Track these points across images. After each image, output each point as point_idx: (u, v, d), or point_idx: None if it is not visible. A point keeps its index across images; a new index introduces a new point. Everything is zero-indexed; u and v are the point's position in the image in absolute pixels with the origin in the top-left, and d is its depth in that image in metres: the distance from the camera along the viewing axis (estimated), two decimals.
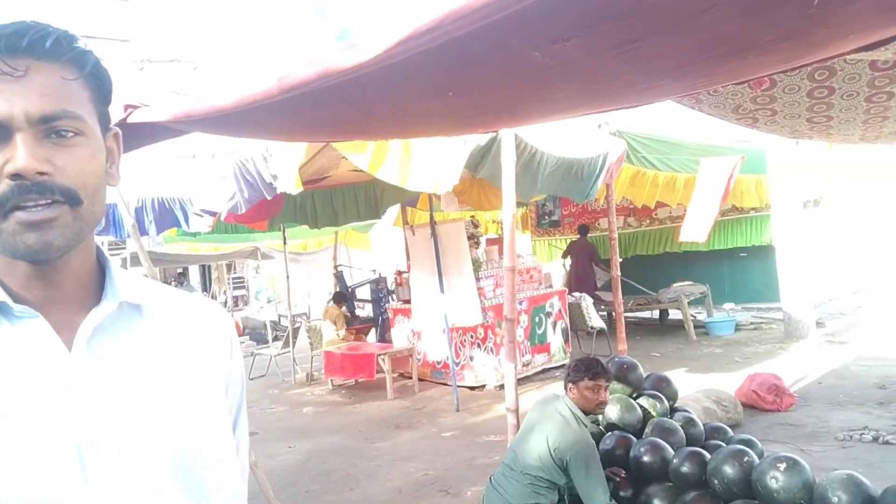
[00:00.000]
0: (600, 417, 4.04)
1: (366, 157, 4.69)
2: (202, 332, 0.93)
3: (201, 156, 6.53)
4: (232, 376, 0.95)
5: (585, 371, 3.36)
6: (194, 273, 23.51)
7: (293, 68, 1.79)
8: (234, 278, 20.59)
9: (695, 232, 6.36)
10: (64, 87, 0.78)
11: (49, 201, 0.76)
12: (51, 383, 0.77)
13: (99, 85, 0.84)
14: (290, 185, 4.97)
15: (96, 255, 0.89)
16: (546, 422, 3.39)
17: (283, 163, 4.97)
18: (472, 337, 7.90)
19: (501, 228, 9.53)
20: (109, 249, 12.61)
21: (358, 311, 11.28)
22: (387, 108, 2.20)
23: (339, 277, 11.28)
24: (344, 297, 10.12)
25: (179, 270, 22.64)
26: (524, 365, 7.90)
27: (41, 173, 0.75)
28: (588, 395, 3.35)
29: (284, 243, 9.80)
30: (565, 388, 3.46)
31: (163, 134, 2.72)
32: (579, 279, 10.67)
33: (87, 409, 0.77)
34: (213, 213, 5.65)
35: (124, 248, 11.47)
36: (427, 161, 4.77)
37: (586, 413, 3.40)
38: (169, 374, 0.85)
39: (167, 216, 6.27)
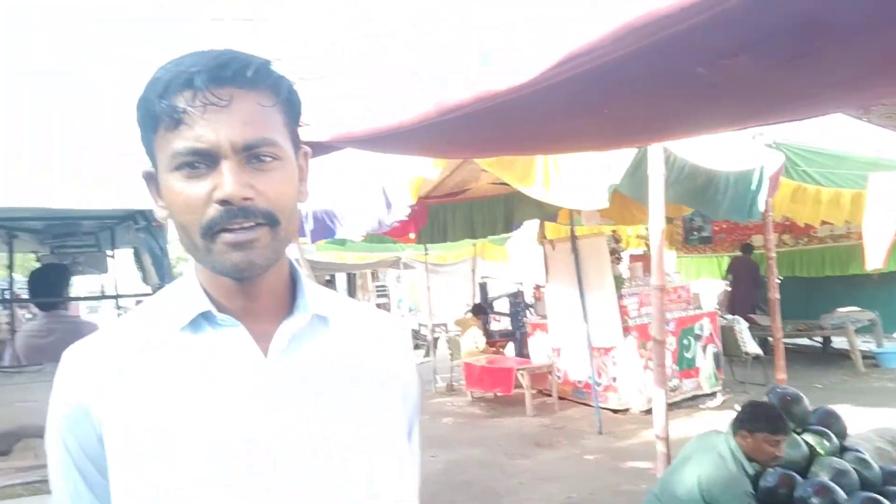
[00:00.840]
0: None
1: (514, 172, 4.71)
2: (383, 344, 0.98)
3: (350, 169, 6.84)
4: (408, 387, 0.99)
5: (767, 424, 3.14)
6: (341, 280, 24.64)
7: (450, 92, 1.84)
8: (377, 286, 21.34)
9: (875, 257, 5.80)
10: (262, 114, 0.83)
11: (252, 224, 0.81)
12: (248, 387, 0.84)
13: (292, 108, 0.89)
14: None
15: (289, 269, 0.95)
16: (702, 456, 3.22)
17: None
18: (614, 357, 7.67)
19: (646, 244, 9.21)
20: None
21: (494, 325, 11.31)
22: (541, 125, 2.19)
23: (483, 288, 11.38)
24: (483, 309, 10.20)
25: (327, 278, 23.80)
26: (672, 390, 7.54)
27: (245, 198, 0.80)
28: (765, 448, 3.14)
29: (426, 254, 10.05)
30: (734, 431, 3.25)
31: (319, 151, 2.88)
32: (740, 300, 10.06)
33: (280, 414, 0.84)
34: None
35: None
36: (577, 177, 4.72)
37: (751, 461, 3.19)
38: (354, 384, 0.91)
39: (321, 226, 6.63)
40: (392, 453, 0.91)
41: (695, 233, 11.48)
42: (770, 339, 6.75)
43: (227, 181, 0.79)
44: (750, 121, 2.50)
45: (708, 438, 3.32)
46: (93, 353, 0.87)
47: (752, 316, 9.64)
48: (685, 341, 7.92)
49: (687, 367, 7.90)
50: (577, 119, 2.11)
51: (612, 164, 4.64)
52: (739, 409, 3.39)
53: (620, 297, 7.48)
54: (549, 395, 8.15)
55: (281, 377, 0.86)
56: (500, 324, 11.32)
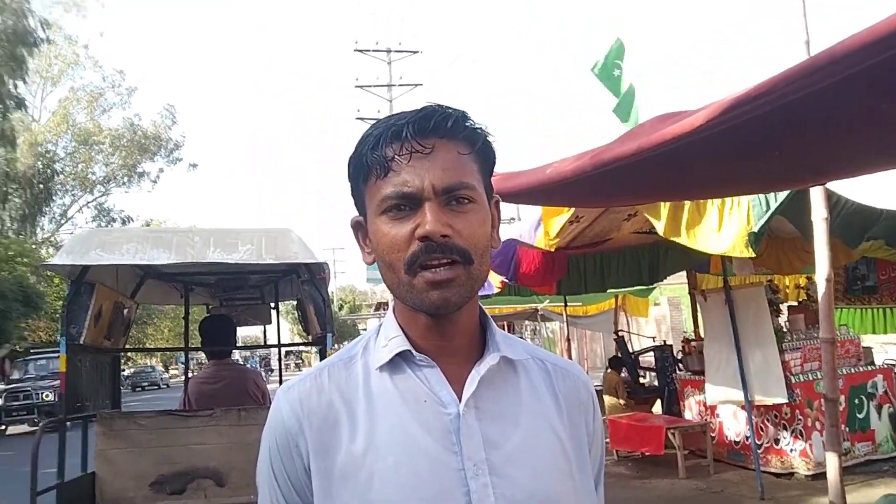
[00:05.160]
0: None
1: (661, 221, 4.59)
2: (569, 391, 0.99)
3: None
4: (595, 436, 1.01)
5: None
6: None
7: (606, 146, 1.84)
8: None
9: None
10: (460, 161, 0.89)
11: (448, 260, 0.86)
12: (443, 429, 0.87)
13: (486, 158, 0.94)
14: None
15: (479, 312, 0.98)
16: None
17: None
18: (776, 416, 7.10)
19: (806, 294, 8.56)
20: None
21: (641, 380, 10.84)
22: (701, 171, 2.13)
23: (619, 343, 10.99)
24: (621, 362, 9.84)
25: None
26: (843, 454, 6.86)
27: (444, 236, 0.85)
28: None
29: (565, 306, 9.90)
30: None
31: None
32: None
33: (475, 456, 0.86)
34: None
35: None
36: (723, 221, 4.52)
37: None
38: (543, 429, 0.92)
39: None
40: None
41: (858, 282, 10.51)
42: None
43: (429, 220, 0.85)
44: None
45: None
46: (302, 390, 0.94)
47: None
48: (856, 400, 7.22)
49: (859, 428, 7.18)
50: (743, 162, 2.03)
51: (759, 212, 4.42)
52: None
53: (781, 351, 6.95)
54: (703, 457, 7.64)
55: (473, 421, 0.88)
56: (646, 379, 10.82)
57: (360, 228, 0.98)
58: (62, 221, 25.78)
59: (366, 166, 0.90)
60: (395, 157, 0.87)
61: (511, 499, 0.85)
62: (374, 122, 0.94)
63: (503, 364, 0.94)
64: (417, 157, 0.87)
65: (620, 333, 11.51)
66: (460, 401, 0.88)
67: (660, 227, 4.69)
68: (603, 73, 6.36)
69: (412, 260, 0.86)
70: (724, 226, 4.49)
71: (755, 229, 4.36)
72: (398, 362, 0.91)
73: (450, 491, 0.84)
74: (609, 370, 9.53)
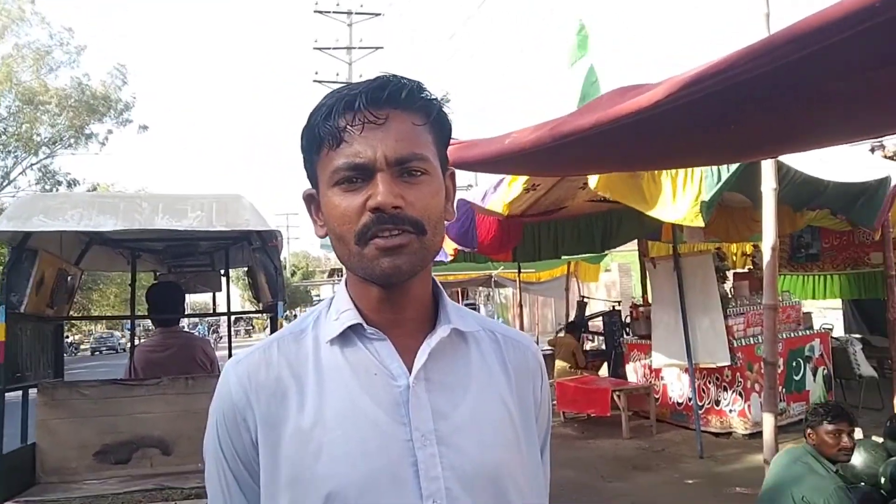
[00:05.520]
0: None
1: (602, 181, 4.66)
2: (518, 362, 1.00)
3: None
4: (542, 406, 1.02)
5: (825, 415, 3.09)
6: None
7: (565, 118, 1.84)
8: (466, 304, 21.52)
9: None
10: (414, 132, 0.88)
11: (400, 231, 0.85)
12: (392, 401, 0.87)
13: (441, 129, 0.93)
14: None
15: (432, 284, 0.98)
16: (791, 475, 3.07)
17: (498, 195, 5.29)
18: (717, 379, 7.36)
19: (752, 262, 8.81)
20: None
21: (588, 344, 11.06)
22: (658, 144, 2.14)
23: (580, 306, 11.14)
24: (577, 327, 10.01)
25: None
26: (779, 413, 7.18)
27: (395, 207, 0.84)
28: (829, 441, 3.05)
29: (519, 272, 9.98)
30: (804, 434, 3.17)
31: None
32: None
33: (423, 426, 0.86)
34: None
35: None
36: (676, 192, 4.60)
37: (829, 460, 3.07)
38: (491, 400, 0.93)
39: None
40: (528, 477, 0.94)
41: (802, 250, 10.86)
42: (888, 361, 6.34)
43: (380, 191, 0.84)
44: (886, 130, 2.36)
45: (790, 456, 3.17)
46: (250, 364, 0.92)
47: (867, 337, 9.07)
48: (794, 363, 7.55)
49: (795, 390, 7.53)
50: (699, 136, 2.05)
51: (711, 183, 4.51)
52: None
53: (726, 316, 7.19)
54: (647, 418, 7.90)
55: (423, 393, 0.88)
56: (594, 343, 11.06)
57: (312, 201, 0.96)
58: (4, 184, 24.58)
59: (318, 137, 0.88)
60: (348, 127, 0.85)
61: (458, 468, 0.85)
62: (328, 92, 0.92)
63: (454, 336, 0.94)
64: (370, 127, 0.85)
65: (585, 300, 11.68)
66: (411, 373, 0.88)
67: (592, 181, 4.75)
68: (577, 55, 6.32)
69: (363, 231, 0.85)
70: (678, 196, 4.57)
71: (706, 198, 4.45)
72: (349, 335, 0.91)
73: (398, 462, 0.84)
74: (562, 334, 9.67)
